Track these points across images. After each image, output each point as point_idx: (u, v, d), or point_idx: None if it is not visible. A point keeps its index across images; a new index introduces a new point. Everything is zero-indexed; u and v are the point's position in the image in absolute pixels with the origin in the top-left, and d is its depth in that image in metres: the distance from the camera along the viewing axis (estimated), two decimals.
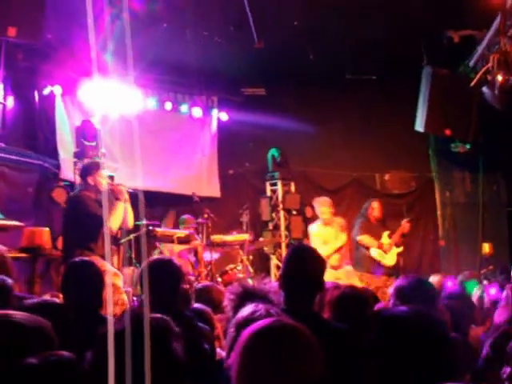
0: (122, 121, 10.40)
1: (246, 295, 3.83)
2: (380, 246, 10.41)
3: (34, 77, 10.74)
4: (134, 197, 7.70)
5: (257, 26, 9.64)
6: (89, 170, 7.81)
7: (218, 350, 4.64)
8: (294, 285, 3.91)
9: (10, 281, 4.16)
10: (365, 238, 10.47)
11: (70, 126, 11.15)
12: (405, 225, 10.72)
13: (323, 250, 9.71)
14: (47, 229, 9.03)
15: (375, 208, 10.67)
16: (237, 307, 3.72)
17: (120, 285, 7.28)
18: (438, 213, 12.92)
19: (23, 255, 8.41)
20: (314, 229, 10.79)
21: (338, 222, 10.75)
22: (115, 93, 11.24)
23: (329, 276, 9.13)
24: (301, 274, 3.91)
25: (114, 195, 7.59)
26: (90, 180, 7.65)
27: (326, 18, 9.85)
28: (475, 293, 5.70)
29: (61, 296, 6.16)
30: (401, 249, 10.58)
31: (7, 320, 2.68)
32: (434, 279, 7.15)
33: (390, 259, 10.40)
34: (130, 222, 7.77)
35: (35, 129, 10.94)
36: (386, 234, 10.58)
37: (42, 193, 10.33)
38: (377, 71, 12.35)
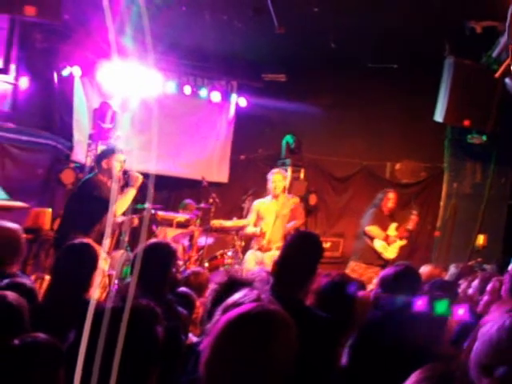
0: (142, 104, 10.43)
1: (232, 285, 3.85)
2: (386, 239, 10.28)
3: (52, 57, 10.71)
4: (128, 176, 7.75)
5: (278, 12, 9.47)
6: (105, 154, 7.88)
7: (190, 334, 4.67)
8: (282, 271, 3.96)
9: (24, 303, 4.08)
10: (373, 229, 10.29)
11: (87, 108, 11.19)
12: (414, 218, 10.62)
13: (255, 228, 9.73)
14: (49, 209, 9.09)
15: (391, 199, 10.51)
16: (218, 297, 3.72)
17: (105, 268, 7.35)
18: (441, 204, 12.93)
19: (27, 236, 8.47)
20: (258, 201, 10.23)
21: (290, 201, 10.16)
22: (134, 75, 11.24)
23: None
24: (291, 261, 3.96)
25: (130, 181, 7.66)
26: (104, 164, 7.70)
27: (348, 4, 9.79)
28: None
29: (46, 277, 6.22)
30: (404, 242, 10.46)
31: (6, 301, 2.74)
32: (424, 269, 7.16)
33: (391, 252, 10.23)
34: (118, 211, 7.81)
35: (52, 110, 10.94)
36: (393, 226, 10.43)
37: (51, 174, 10.38)
38: (398, 60, 12.21)
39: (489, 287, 4.97)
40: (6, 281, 4.20)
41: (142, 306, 2.60)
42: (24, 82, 10.27)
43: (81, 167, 10.48)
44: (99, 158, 7.95)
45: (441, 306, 4.31)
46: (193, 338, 4.42)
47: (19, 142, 9.86)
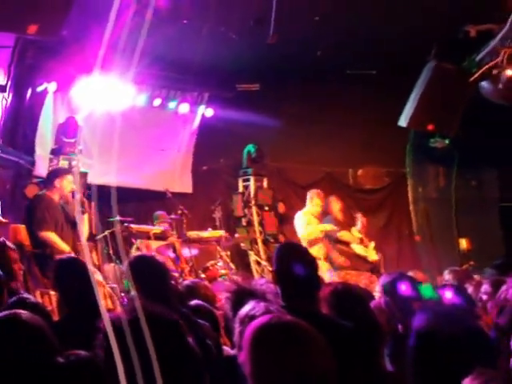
0: (106, 117, 10.33)
1: (243, 293, 3.82)
2: (361, 242, 10.36)
3: (33, 73, 10.58)
4: (106, 193, 7.72)
5: (270, 22, 9.55)
6: (58, 173, 8.35)
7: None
8: (289, 283, 3.92)
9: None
10: (345, 234, 10.39)
11: (52, 123, 11.03)
12: (363, 219, 10.68)
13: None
14: (24, 225, 9.02)
15: (333, 201, 10.79)
16: (235, 305, 3.71)
17: (101, 279, 7.40)
18: (411, 208, 13.00)
19: None
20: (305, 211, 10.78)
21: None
22: (106, 90, 11.05)
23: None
24: (295, 273, 3.91)
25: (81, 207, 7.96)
26: (56, 183, 8.14)
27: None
28: None
29: (51, 293, 6.16)
30: (373, 243, 10.56)
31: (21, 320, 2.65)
32: (414, 275, 7.15)
33: (373, 254, 10.35)
34: (85, 233, 8.27)
35: (17, 125, 10.83)
36: (354, 230, 10.53)
37: (16, 189, 10.29)
38: (370, 67, 12.28)
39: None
40: (13, 298, 4.11)
41: (166, 318, 2.54)
42: (9, 99, 10.22)
43: (44, 182, 10.38)
44: (52, 176, 8.39)
45: (427, 291, 4.32)
46: (229, 350, 4.33)
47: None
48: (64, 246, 7.75)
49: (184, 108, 12.67)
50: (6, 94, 9.94)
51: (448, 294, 4.44)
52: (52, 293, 6.19)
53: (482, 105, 10.48)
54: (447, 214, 12.65)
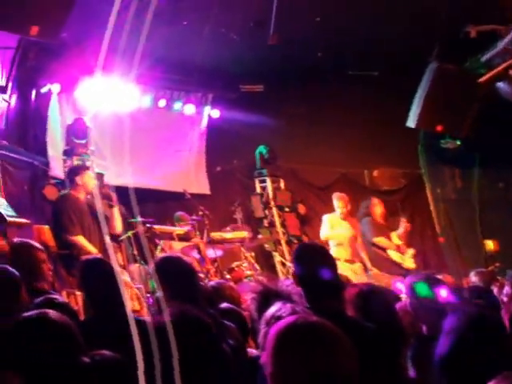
0: (114, 119, 10.36)
1: (269, 294, 3.82)
2: (398, 249, 10.30)
3: (35, 75, 10.65)
4: (124, 194, 7.75)
5: (270, 23, 9.58)
6: (77, 171, 8.22)
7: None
8: (314, 284, 3.90)
9: (17, 274, 4.13)
10: (381, 240, 10.35)
11: (61, 124, 11.06)
12: (407, 225, 10.63)
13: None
14: (47, 226, 9.06)
15: (376, 204, 10.59)
16: (261, 306, 3.70)
17: (128, 280, 7.38)
18: (432, 209, 12.92)
19: None
20: (329, 215, 10.80)
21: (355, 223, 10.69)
22: (111, 91, 11.13)
23: (344, 268, 9.14)
24: (319, 274, 3.90)
25: (107, 201, 7.92)
26: (78, 180, 8.02)
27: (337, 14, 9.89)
28: None
29: (77, 293, 6.19)
30: (413, 250, 10.51)
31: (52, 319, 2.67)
32: (443, 278, 7.10)
33: (409, 262, 10.27)
34: (118, 227, 8.17)
35: (27, 127, 10.89)
36: (394, 235, 10.48)
37: (35, 191, 10.32)
38: (375, 67, 12.29)
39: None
40: (41, 298, 4.13)
41: (202, 322, 2.54)
42: (13, 100, 10.26)
43: (61, 183, 10.39)
44: (72, 175, 8.27)
45: (422, 289, 4.29)
46: (252, 351, 4.34)
47: (13, 159, 9.82)
48: (91, 248, 7.70)
49: (189, 109, 12.76)
50: (5, 96, 9.92)
51: (443, 293, 4.40)
52: (78, 293, 6.23)
53: (502, 104, 10.40)
54: (469, 216, 12.54)
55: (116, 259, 7.97)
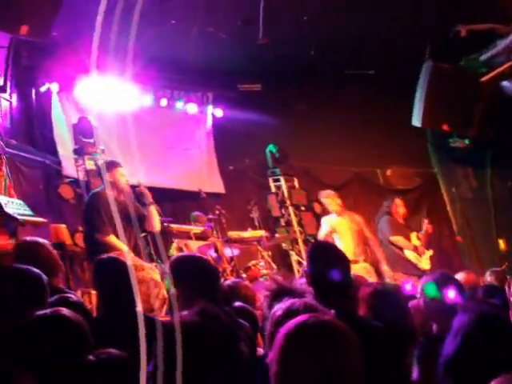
0: (118, 118, 10.35)
1: (282, 292, 3.82)
2: (415, 249, 10.19)
3: (32, 74, 10.73)
4: (137, 193, 7.74)
5: (258, 22, 9.62)
6: (107, 168, 7.89)
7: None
8: (322, 284, 3.93)
9: (44, 277, 4.13)
10: (399, 240, 10.22)
11: (66, 123, 11.08)
12: (428, 226, 10.56)
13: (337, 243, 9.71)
14: (64, 225, 9.09)
15: (399, 205, 10.48)
16: (273, 304, 3.70)
17: (158, 279, 7.27)
18: (448, 208, 12.87)
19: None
20: (326, 218, 10.73)
21: (353, 217, 10.59)
22: (111, 90, 11.21)
23: None
24: (329, 274, 3.91)
25: (144, 199, 7.75)
26: (109, 177, 7.69)
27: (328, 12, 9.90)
28: None
29: (92, 292, 6.22)
30: (431, 252, 10.38)
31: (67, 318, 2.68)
32: (459, 277, 7.06)
33: (425, 263, 10.14)
34: (157, 225, 7.92)
35: (32, 126, 10.94)
36: (413, 235, 10.35)
37: (50, 189, 10.36)
38: (380, 65, 12.24)
39: None
40: (55, 296, 4.15)
41: (225, 323, 2.56)
42: (14, 100, 10.31)
43: (76, 182, 10.41)
44: (102, 172, 8.21)
45: (431, 290, 4.27)
46: (260, 349, 4.35)
47: (23, 158, 9.85)
48: (123, 247, 7.53)
49: (192, 108, 12.88)
50: (5, 95, 9.91)
51: (451, 294, 4.39)
52: (93, 292, 6.23)
53: (509, 102, 10.35)
54: (485, 214, 12.48)
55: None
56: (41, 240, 5.12)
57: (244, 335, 4.03)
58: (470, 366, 2.43)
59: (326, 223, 10.58)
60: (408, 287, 5.07)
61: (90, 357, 2.54)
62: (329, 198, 10.69)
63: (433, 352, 2.66)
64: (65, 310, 2.81)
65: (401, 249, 10.21)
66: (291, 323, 2.32)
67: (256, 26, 9.68)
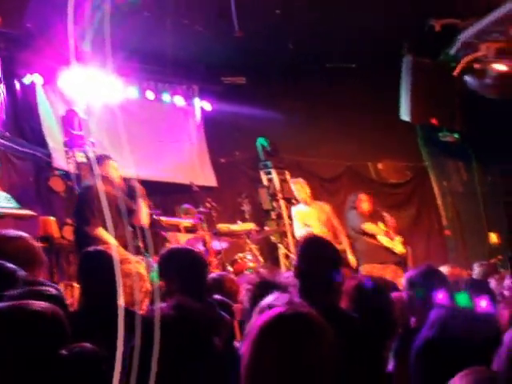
0: (106, 110, 10.28)
1: (265, 286, 3.81)
2: (387, 234, 10.16)
3: (13, 66, 10.61)
4: (128, 185, 7.70)
5: (237, 14, 9.56)
6: (99, 161, 7.87)
7: None
8: (309, 276, 3.91)
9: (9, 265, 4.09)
10: (371, 226, 10.16)
11: (54, 116, 11.03)
12: (391, 220, 10.46)
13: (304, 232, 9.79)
14: (53, 218, 9.05)
15: (363, 200, 10.38)
16: (255, 298, 3.70)
17: (144, 272, 7.23)
18: (439, 202, 12.90)
19: (42, 245, 8.41)
20: (295, 209, 10.81)
21: (321, 206, 10.63)
22: (96, 81, 11.11)
23: None
24: (316, 266, 3.90)
25: (132, 193, 7.72)
26: (101, 171, 7.68)
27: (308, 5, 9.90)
28: None
29: (75, 285, 6.18)
30: (401, 237, 10.34)
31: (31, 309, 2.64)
32: (444, 270, 7.07)
33: (399, 247, 10.11)
34: (145, 219, 7.92)
35: (19, 119, 10.88)
36: (380, 224, 10.36)
37: (40, 182, 10.35)
38: (359, 59, 12.28)
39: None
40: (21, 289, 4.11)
41: (195, 318, 2.55)
42: (3, 91, 10.23)
43: (66, 174, 10.37)
44: (94, 166, 8.05)
45: (463, 299, 4.25)
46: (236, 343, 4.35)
47: (15, 150, 9.86)
48: (112, 241, 7.47)
49: (179, 101, 12.87)
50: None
51: (483, 303, 4.38)
52: (75, 285, 6.18)
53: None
54: (475, 208, 12.52)
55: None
56: (15, 232, 5.02)
57: (223, 328, 4.04)
58: (441, 355, 2.43)
59: (297, 215, 10.66)
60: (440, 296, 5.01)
61: (63, 351, 2.51)
62: (298, 185, 10.79)
63: (410, 345, 2.65)
64: (31, 303, 2.75)
65: (373, 237, 10.16)
66: (266, 315, 2.30)
67: (229, 19, 9.65)
